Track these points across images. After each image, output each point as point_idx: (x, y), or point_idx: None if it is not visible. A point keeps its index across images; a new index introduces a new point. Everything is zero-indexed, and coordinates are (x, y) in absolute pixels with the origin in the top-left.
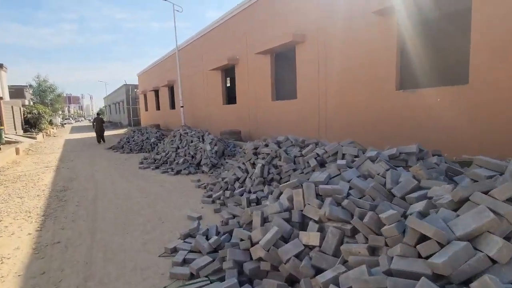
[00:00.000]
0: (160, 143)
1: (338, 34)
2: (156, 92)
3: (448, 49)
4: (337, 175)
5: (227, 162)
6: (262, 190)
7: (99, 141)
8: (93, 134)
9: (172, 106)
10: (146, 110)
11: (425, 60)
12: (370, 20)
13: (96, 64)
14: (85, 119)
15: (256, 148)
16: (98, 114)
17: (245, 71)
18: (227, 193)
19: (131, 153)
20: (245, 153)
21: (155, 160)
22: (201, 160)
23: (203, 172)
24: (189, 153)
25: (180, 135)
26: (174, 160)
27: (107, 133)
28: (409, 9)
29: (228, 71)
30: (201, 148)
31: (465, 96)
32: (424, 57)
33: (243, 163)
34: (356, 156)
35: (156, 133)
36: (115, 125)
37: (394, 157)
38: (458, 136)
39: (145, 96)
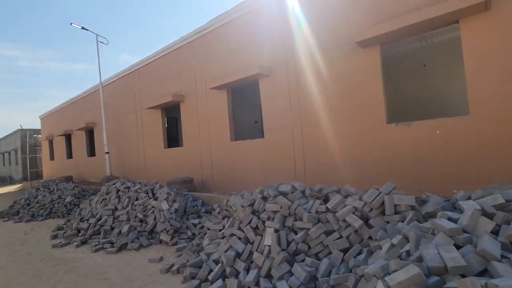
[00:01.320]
0: (82, 203)
1: (311, 67)
2: (68, 137)
3: (430, 82)
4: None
5: (197, 226)
6: (291, 272)
7: None
8: None
9: (91, 153)
10: (52, 159)
11: (407, 92)
12: (351, 51)
13: None
14: None
15: (251, 205)
16: None
17: (193, 109)
18: (231, 283)
19: (34, 220)
20: (228, 210)
21: (80, 231)
22: (155, 225)
23: (161, 242)
24: (135, 217)
25: (118, 190)
26: (112, 228)
27: None
28: (390, 40)
29: (169, 110)
30: (154, 207)
31: (468, 126)
32: (407, 89)
33: (239, 229)
34: (413, 208)
35: (73, 189)
36: (2, 180)
37: (501, 207)
38: (465, 168)
39: (50, 142)
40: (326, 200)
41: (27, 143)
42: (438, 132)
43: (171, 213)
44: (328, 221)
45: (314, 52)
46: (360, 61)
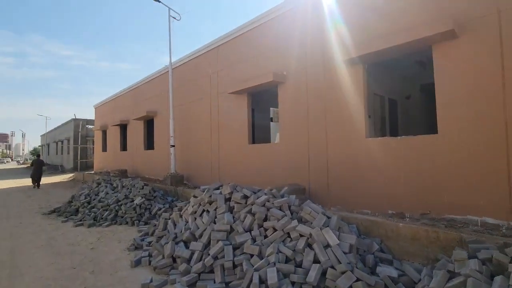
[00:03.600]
0: (154, 208)
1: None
2: (123, 127)
3: None
4: None
5: (399, 283)
6: None
7: (34, 186)
8: (23, 182)
9: (149, 145)
10: (104, 150)
11: None
12: None
13: (34, 100)
14: (12, 160)
15: None
16: (38, 155)
17: (300, 93)
18: None
19: (98, 225)
20: None
21: (175, 260)
22: (324, 273)
23: None
24: (278, 252)
25: (227, 200)
26: (235, 266)
27: (43, 180)
28: None
29: (255, 96)
30: (307, 237)
31: None
32: None
33: None
34: None
35: (142, 187)
36: (54, 168)
37: None
38: None
39: (104, 132)
40: None
41: (79, 133)
42: None
43: (346, 254)
44: None
45: None
46: None
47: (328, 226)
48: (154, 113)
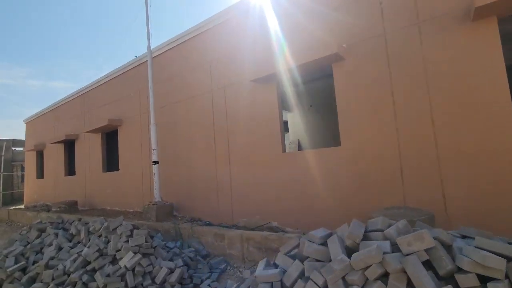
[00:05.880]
0: (162, 270)
1: None
2: (70, 144)
3: None
4: None
5: None
6: None
7: None
8: None
9: (110, 166)
10: (40, 177)
11: None
12: None
13: None
14: None
15: None
16: None
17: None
18: None
19: None
20: None
21: None
22: None
23: None
24: None
25: None
26: None
27: None
28: None
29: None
30: None
31: None
32: None
33: None
34: None
35: (130, 233)
36: None
37: None
38: None
39: (40, 153)
40: None
41: (2, 157)
42: None
43: None
44: None
45: None
46: None
47: None
48: (118, 121)
